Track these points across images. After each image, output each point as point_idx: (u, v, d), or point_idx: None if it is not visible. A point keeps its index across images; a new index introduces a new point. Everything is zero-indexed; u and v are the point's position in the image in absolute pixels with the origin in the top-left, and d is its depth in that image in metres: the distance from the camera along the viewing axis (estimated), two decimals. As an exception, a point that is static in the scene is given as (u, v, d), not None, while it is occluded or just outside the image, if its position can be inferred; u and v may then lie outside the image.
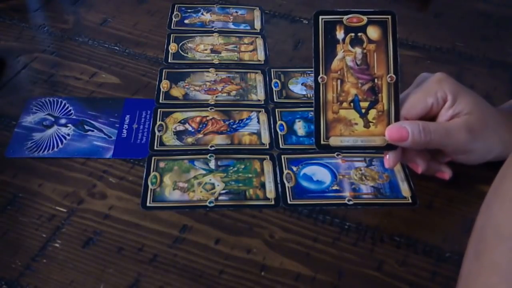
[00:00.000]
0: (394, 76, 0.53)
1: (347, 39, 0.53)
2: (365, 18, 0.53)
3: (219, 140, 0.61)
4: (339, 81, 0.53)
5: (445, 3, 0.86)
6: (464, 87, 0.54)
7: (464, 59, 0.75)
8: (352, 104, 0.53)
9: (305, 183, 0.57)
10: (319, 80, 0.53)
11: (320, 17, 0.53)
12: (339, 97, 0.53)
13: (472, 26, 0.81)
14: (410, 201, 0.56)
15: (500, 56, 0.75)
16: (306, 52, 0.73)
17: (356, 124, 0.53)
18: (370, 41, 0.53)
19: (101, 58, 0.72)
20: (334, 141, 0.53)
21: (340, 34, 0.53)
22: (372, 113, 0.53)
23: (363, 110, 0.53)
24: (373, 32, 0.53)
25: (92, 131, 0.62)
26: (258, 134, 0.62)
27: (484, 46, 0.77)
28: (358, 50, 0.53)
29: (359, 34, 0.53)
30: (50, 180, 0.57)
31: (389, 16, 0.53)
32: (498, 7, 0.85)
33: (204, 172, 0.58)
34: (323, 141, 0.53)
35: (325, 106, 0.53)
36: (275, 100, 0.67)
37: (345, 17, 0.53)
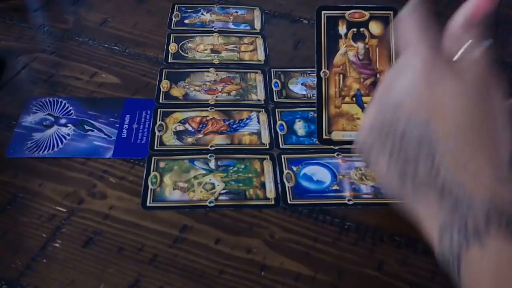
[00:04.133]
0: None
1: (349, 34, 0.53)
2: (367, 13, 0.53)
3: (219, 140, 0.61)
4: (341, 75, 0.53)
5: (445, 3, 0.86)
6: None
7: (464, 59, 0.75)
8: (354, 98, 0.53)
9: (305, 183, 0.57)
10: (322, 74, 0.53)
11: (323, 12, 0.53)
12: (342, 92, 0.53)
13: (472, 26, 0.81)
14: (410, 201, 0.56)
15: (500, 56, 0.75)
16: (306, 52, 0.74)
17: (359, 118, 0.53)
18: (372, 36, 0.53)
19: (101, 58, 0.72)
20: (336, 135, 0.53)
21: (342, 29, 0.53)
22: None
23: (366, 105, 0.53)
24: (375, 28, 0.53)
25: (92, 131, 0.62)
26: (258, 134, 0.62)
27: (484, 46, 0.77)
28: (360, 45, 0.53)
29: (361, 29, 0.53)
30: (50, 180, 0.57)
31: (391, 12, 0.53)
32: (498, 7, 0.85)
33: (204, 172, 0.58)
34: (325, 135, 0.53)
35: (327, 101, 0.53)
36: (275, 100, 0.67)
37: (347, 12, 0.53)
